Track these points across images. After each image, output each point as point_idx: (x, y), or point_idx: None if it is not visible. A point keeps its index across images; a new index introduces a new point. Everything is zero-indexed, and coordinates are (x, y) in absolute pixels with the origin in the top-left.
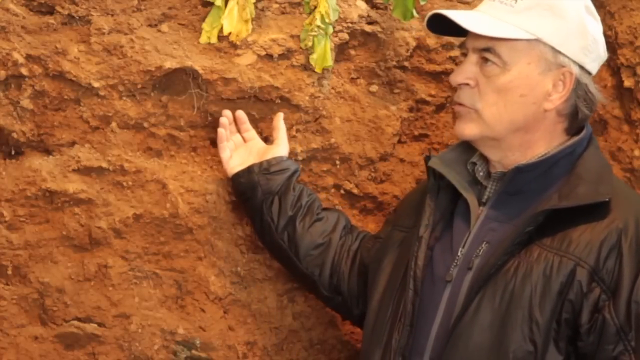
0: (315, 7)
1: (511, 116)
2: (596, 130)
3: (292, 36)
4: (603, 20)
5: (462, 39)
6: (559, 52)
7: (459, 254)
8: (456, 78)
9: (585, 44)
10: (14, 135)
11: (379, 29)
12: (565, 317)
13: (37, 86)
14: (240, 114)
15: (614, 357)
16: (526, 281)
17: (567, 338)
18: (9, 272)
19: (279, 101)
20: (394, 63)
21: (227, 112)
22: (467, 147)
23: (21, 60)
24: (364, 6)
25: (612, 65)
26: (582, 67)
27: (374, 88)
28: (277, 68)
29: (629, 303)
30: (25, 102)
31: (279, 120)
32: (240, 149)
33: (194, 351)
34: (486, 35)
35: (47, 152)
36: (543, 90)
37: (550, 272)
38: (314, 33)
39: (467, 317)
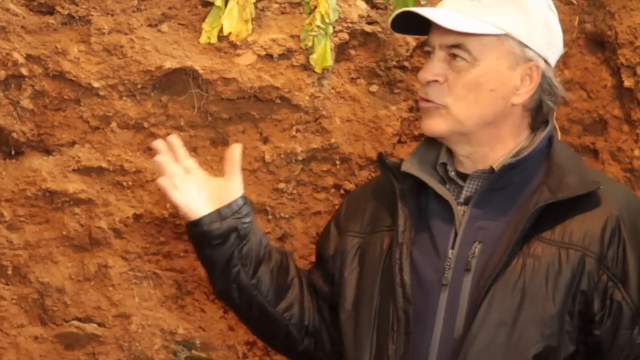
0: (315, 7)
1: (481, 111)
2: (596, 130)
3: (292, 36)
4: (603, 20)
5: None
6: (527, 47)
7: (449, 255)
8: (425, 75)
9: (549, 38)
10: (14, 135)
11: (379, 29)
12: (579, 309)
13: (37, 86)
14: (174, 139)
15: (632, 340)
16: (536, 277)
17: (579, 329)
18: (9, 272)
19: (279, 101)
20: (394, 63)
21: (157, 145)
22: (428, 148)
23: (21, 60)
24: (364, 6)
25: (612, 65)
26: (546, 61)
27: (374, 88)
28: (277, 68)
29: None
30: (25, 102)
31: (236, 152)
32: (189, 184)
33: (194, 351)
34: (458, 30)
35: (47, 152)
36: (512, 84)
37: (560, 265)
38: (314, 33)
39: (478, 318)
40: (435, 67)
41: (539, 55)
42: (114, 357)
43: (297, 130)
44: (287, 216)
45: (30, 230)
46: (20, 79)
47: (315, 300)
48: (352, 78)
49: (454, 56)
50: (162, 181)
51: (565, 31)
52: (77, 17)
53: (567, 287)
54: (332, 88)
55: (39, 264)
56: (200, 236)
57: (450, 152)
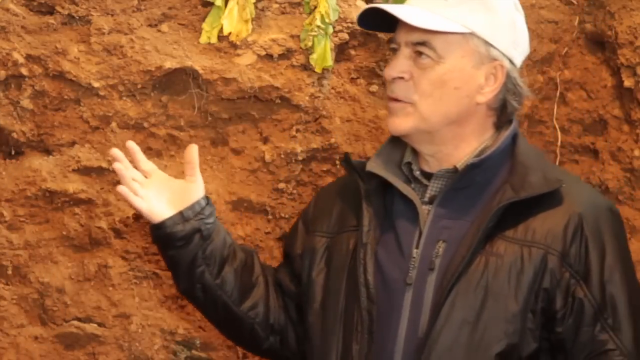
0: (315, 7)
1: (446, 108)
2: (596, 130)
3: (292, 36)
4: (603, 20)
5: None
6: (492, 46)
7: (414, 255)
8: (391, 72)
9: (515, 38)
10: (14, 135)
11: None
12: (542, 306)
13: (37, 86)
14: (131, 144)
15: (593, 337)
16: (499, 275)
17: (541, 326)
18: (9, 272)
19: (279, 101)
20: None
21: (115, 152)
22: (393, 148)
23: (21, 60)
24: (364, 6)
25: (612, 65)
26: (511, 61)
27: (374, 88)
28: (277, 68)
29: (602, 283)
30: (25, 102)
31: (194, 154)
32: (149, 188)
33: (194, 351)
34: (424, 28)
35: (47, 152)
36: (476, 83)
37: (522, 263)
38: (314, 33)
39: (441, 317)
40: (400, 64)
41: (504, 55)
42: (114, 357)
43: (297, 130)
44: (287, 216)
45: (30, 230)
46: (20, 79)
47: (281, 299)
48: (352, 78)
49: (419, 54)
50: (121, 189)
51: (565, 31)
52: (77, 17)
53: (529, 285)
54: (332, 88)
55: (39, 264)
56: (164, 238)
57: (415, 152)
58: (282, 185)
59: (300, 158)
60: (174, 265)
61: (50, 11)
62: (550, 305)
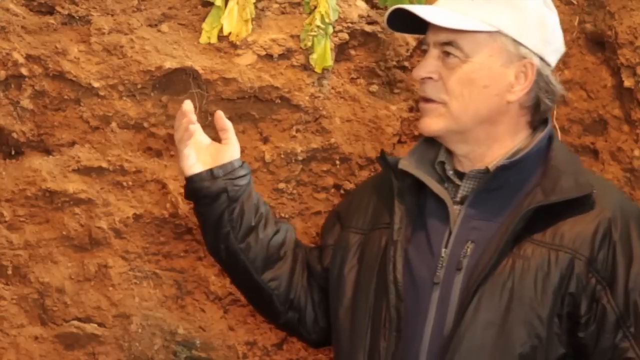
0: (315, 7)
1: (476, 107)
2: (596, 130)
3: (292, 36)
4: (603, 20)
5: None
6: (520, 44)
7: (442, 254)
8: (419, 72)
9: (545, 36)
10: (14, 135)
11: (379, 29)
12: (568, 311)
13: (37, 86)
14: (188, 106)
15: (615, 345)
16: (525, 278)
17: (568, 331)
18: (9, 272)
19: (279, 101)
20: (394, 63)
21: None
22: (428, 147)
23: (21, 60)
24: (364, 6)
25: (612, 65)
26: (542, 59)
27: (374, 88)
28: (277, 68)
29: (626, 291)
30: (25, 102)
31: (224, 120)
32: (193, 144)
33: (194, 351)
34: (448, 27)
35: (47, 152)
36: (506, 82)
37: (549, 267)
38: (314, 33)
39: (467, 318)
40: (428, 65)
41: (534, 53)
42: (114, 357)
43: (297, 130)
44: (287, 216)
45: (30, 230)
46: (20, 79)
47: (306, 278)
48: (352, 78)
49: (447, 54)
50: (188, 135)
51: (565, 31)
52: (77, 17)
53: (555, 289)
54: (332, 88)
55: (39, 264)
56: (192, 193)
57: (450, 151)
58: (282, 185)
59: (300, 158)
60: (202, 222)
61: (50, 11)
62: (575, 310)
